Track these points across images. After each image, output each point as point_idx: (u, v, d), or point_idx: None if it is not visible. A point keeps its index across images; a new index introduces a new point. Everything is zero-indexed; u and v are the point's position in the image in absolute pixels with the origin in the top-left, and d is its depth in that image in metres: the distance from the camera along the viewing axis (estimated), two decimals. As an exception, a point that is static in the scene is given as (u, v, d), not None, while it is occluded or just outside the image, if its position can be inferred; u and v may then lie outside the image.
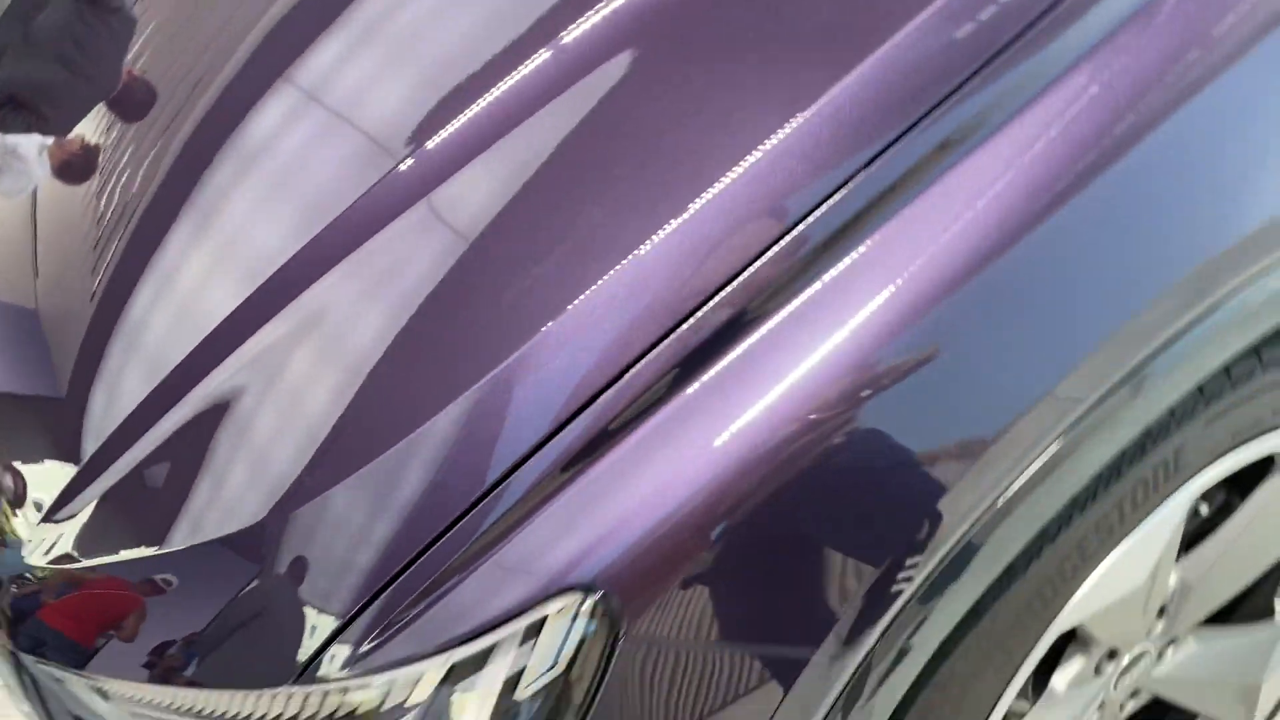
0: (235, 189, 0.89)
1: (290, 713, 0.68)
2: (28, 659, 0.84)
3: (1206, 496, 1.01)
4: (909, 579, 0.68)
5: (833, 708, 0.69)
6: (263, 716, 0.69)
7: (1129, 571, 0.82)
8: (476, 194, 0.77)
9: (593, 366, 0.66)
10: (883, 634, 0.69)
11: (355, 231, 0.78)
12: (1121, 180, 0.67)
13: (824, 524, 0.66)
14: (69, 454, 0.81)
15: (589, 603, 0.63)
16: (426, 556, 0.66)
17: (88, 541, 0.80)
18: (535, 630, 0.64)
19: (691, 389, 0.64)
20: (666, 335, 0.66)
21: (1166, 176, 0.69)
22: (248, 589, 0.70)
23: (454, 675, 0.65)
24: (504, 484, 0.66)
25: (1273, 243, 0.72)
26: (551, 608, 0.63)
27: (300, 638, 0.68)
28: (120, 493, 0.80)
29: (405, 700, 0.66)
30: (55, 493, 0.80)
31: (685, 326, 0.66)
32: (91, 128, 1.06)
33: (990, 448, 0.66)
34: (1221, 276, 0.70)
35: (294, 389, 0.75)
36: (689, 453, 0.63)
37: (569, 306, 0.67)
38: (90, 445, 0.81)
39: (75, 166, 1.03)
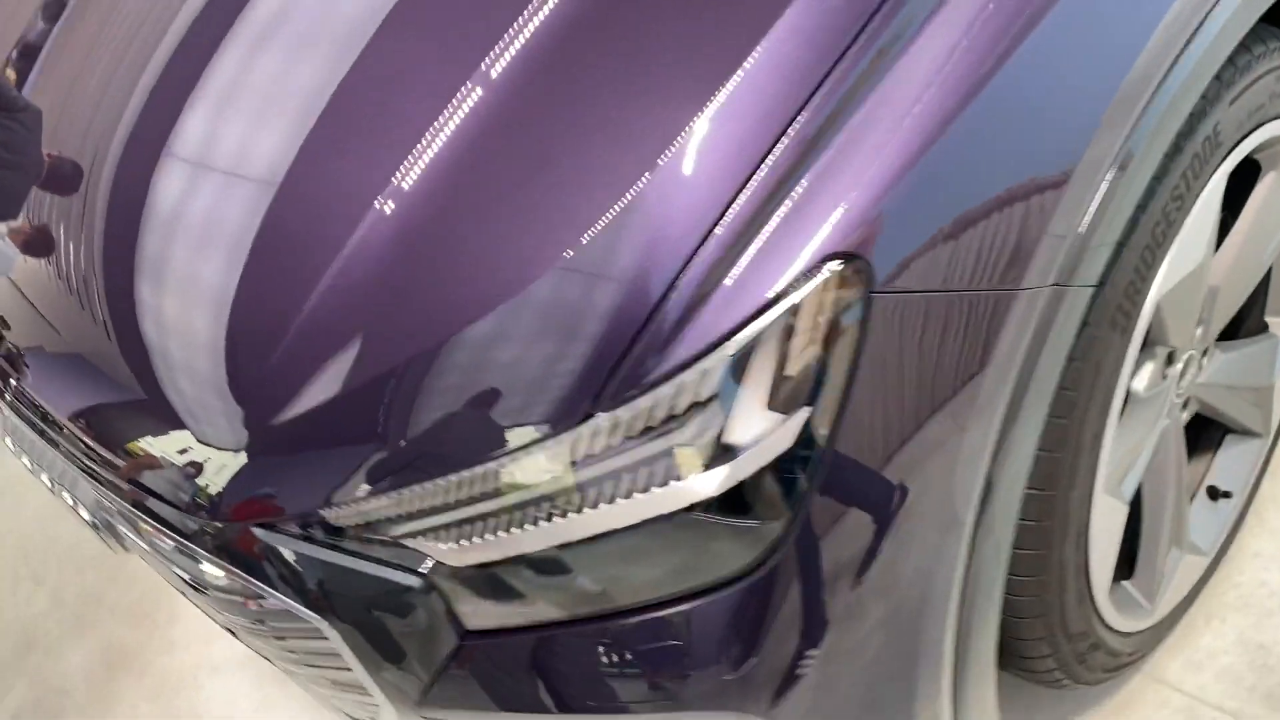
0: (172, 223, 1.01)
1: (600, 443, 0.76)
2: (269, 534, 0.89)
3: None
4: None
5: (1029, 353, 0.83)
6: (572, 457, 0.77)
7: (1194, 241, 0.99)
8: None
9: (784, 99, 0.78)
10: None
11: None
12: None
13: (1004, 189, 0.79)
14: (176, 424, 0.95)
15: (838, 273, 0.74)
16: (686, 273, 0.75)
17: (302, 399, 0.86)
18: (795, 311, 0.74)
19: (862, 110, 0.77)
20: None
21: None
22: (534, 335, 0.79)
23: (732, 366, 0.75)
24: (736, 199, 0.76)
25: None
26: (807, 287, 0.74)
27: (590, 375, 0.76)
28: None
29: (697, 397, 0.75)
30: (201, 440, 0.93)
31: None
32: (35, 208, 1.17)
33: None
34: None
35: (504, 190, 0.84)
36: (893, 138, 0.76)
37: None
38: (196, 420, 0.94)
39: (36, 242, 1.16)
